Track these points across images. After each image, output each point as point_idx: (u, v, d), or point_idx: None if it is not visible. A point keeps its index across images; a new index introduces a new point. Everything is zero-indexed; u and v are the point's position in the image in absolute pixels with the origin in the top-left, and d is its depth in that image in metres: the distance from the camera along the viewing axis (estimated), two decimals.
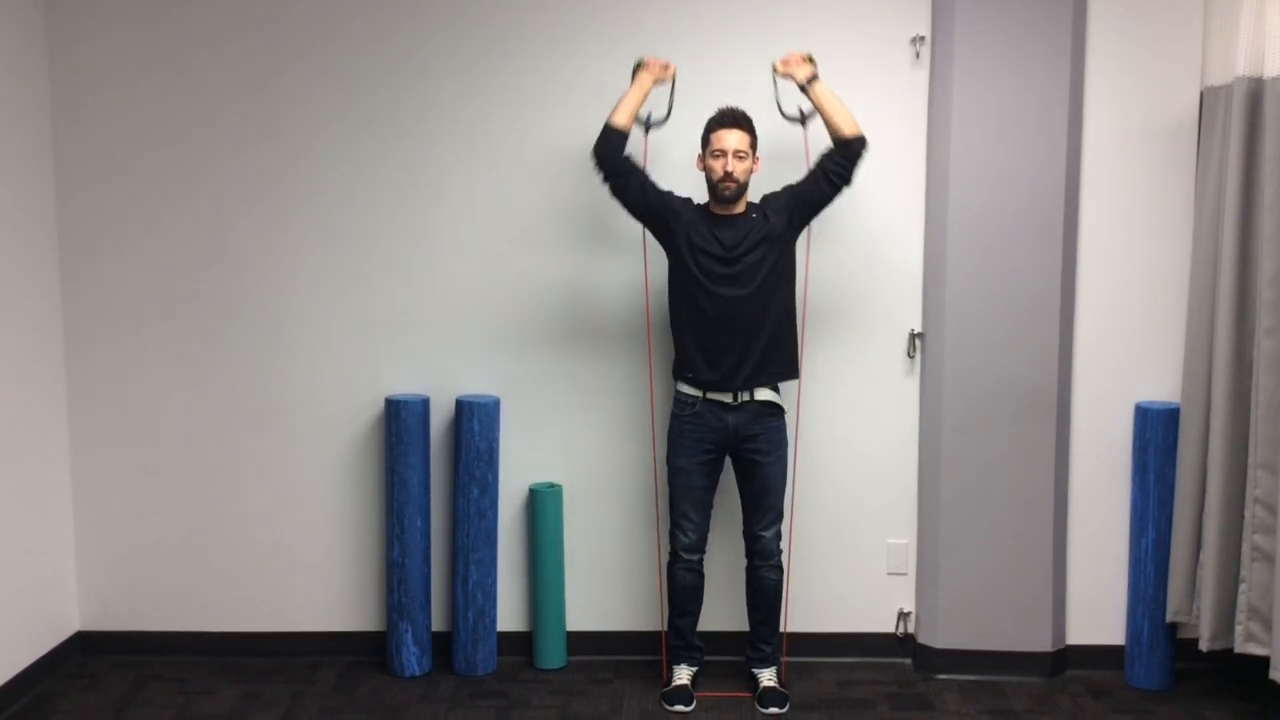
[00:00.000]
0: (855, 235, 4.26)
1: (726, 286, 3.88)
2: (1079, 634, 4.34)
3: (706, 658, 4.24)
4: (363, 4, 4.24)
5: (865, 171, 3.98)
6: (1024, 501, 4.22)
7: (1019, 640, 4.27)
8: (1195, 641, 4.10)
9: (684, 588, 4.11)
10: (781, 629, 4.20)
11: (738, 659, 4.25)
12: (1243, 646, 3.94)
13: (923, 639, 4.35)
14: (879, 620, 4.42)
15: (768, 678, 4.13)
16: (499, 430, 4.29)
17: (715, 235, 3.89)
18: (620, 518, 4.40)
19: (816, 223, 4.07)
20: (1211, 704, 4.11)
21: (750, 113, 3.91)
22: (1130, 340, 4.25)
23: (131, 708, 4.08)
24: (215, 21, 4.25)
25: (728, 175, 3.85)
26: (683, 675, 4.15)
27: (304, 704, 4.11)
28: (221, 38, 4.26)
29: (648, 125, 4.06)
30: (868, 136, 3.89)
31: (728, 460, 4.06)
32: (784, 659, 4.23)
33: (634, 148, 3.96)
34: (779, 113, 4.07)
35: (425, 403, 4.29)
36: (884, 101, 4.20)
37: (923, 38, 4.18)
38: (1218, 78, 4.01)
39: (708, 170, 3.90)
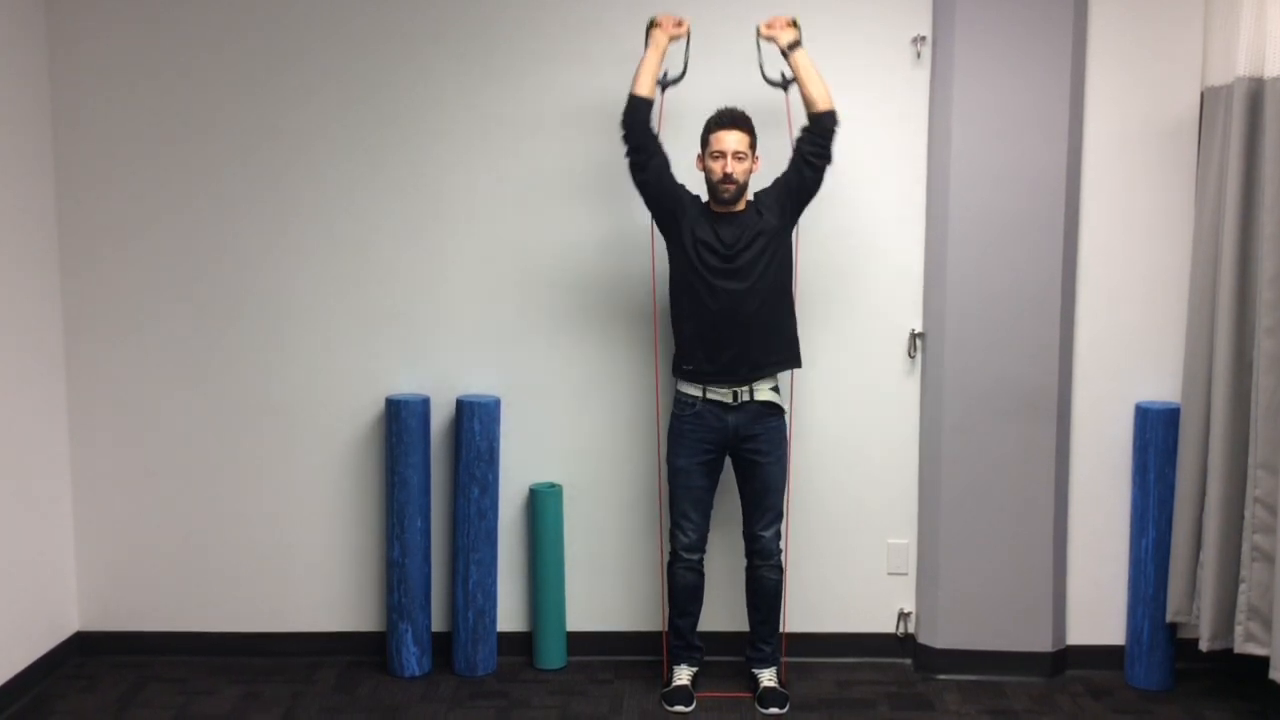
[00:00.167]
0: (856, 235, 4.26)
1: (727, 280, 3.88)
2: (1079, 634, 4.33)
3: (706, 658, 4.24)
4: (363, 4, 4.24)
5: (865, 172, 3.98)
6: (1024, 501, 4.22)
7: (1019, 640, 4.27)
8: (1195, 641, 4.10)
9: (684, 587, 4.11)
10: (781, 629, 4.20)
11: (738, 659, 4.25)
12: (1243, 646, 3.94)
13: (923, 639, 4.35)
14: (879, 620, 4.41)
15: (768, 678, 4.13)
16: (499, 430, 4.29)
17: (716, 232, 3.90)
18: (620, 518, 4.40)
19: (817, 223, 4.07)
20: (1211, 704, 4.11)
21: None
22: (1130, 340, 4.25)
23: (131, 708, 4.07)
24: (215, 21, 4.25)
25: (727, 177, 3.85)
26: (683, 675, 4.15)
27: (304, 704, 4.11)
28: (221, 38, 4.25)
29: (664, 84, 4.01)
30: (867, 136, 3.89)
31: (728, 460, 4.06)
32: (784, 659, 4.22)
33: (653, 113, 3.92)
34: (761, 76, 4.06)
35: (425, 402, 4.29)
36: (885, 101, 4.20)
37: (923, 37, 4.18)
38: (1218, 78, 4.01)
39: (707, 171, 3.90)
